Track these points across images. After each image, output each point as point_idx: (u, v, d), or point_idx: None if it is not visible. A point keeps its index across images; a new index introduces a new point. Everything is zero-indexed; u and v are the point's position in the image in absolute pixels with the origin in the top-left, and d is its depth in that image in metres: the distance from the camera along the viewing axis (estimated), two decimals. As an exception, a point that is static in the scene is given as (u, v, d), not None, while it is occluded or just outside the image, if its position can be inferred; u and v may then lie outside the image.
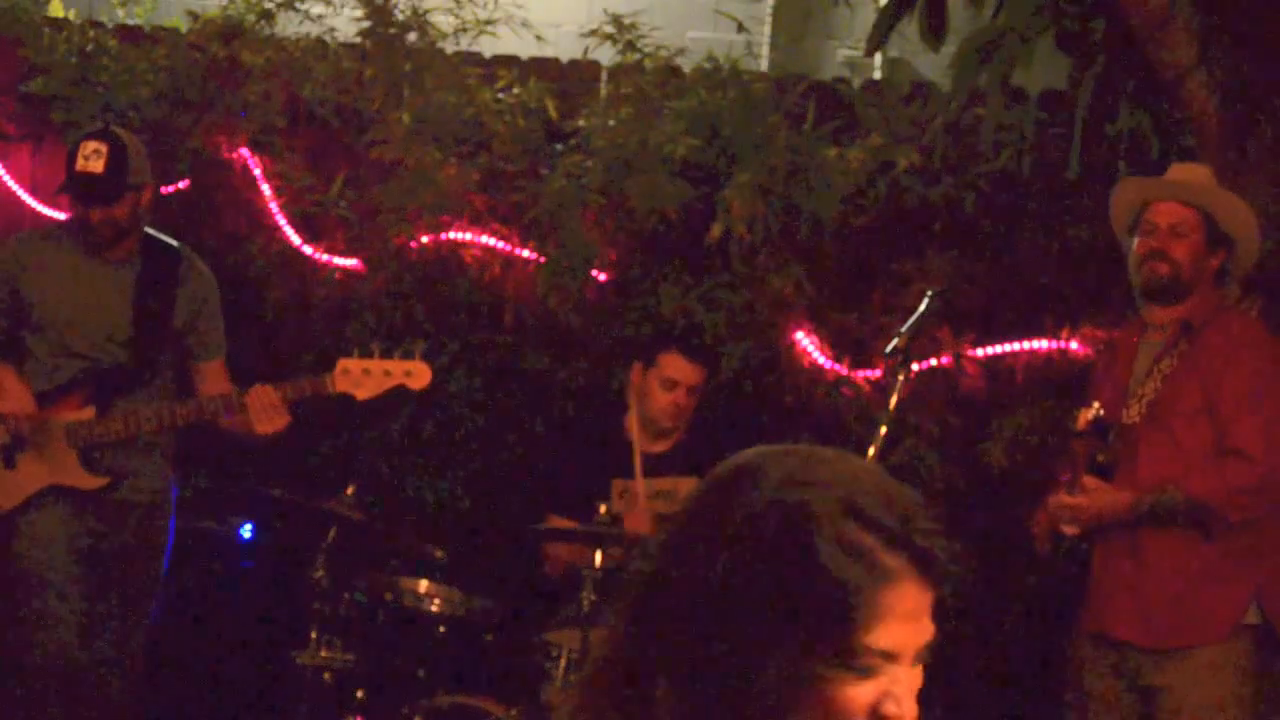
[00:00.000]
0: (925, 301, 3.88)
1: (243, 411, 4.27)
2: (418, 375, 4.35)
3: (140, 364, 4.40)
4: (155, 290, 4.43)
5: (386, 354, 4.34)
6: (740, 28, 5.68)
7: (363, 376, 4.31)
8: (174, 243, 4.57)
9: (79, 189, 4.33)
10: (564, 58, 5.69)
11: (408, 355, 4.35)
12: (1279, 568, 3.86)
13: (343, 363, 4.32)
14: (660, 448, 4.70)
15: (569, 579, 4.38)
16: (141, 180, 4.41)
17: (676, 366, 4.59)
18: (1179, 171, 4.12)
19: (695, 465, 4.61)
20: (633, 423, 4.71)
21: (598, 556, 4.03)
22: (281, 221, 5.39)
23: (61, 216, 4.99)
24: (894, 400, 3.73)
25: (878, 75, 6.43)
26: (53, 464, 4.32)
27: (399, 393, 4.39)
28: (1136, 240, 4.01)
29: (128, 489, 4.40)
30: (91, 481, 4.34)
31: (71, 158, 4.33)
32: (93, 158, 4.30)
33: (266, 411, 4.25)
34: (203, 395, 4.44)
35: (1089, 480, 3.86)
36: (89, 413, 4.32)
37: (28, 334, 4.40)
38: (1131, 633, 3.90)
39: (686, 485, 4.62)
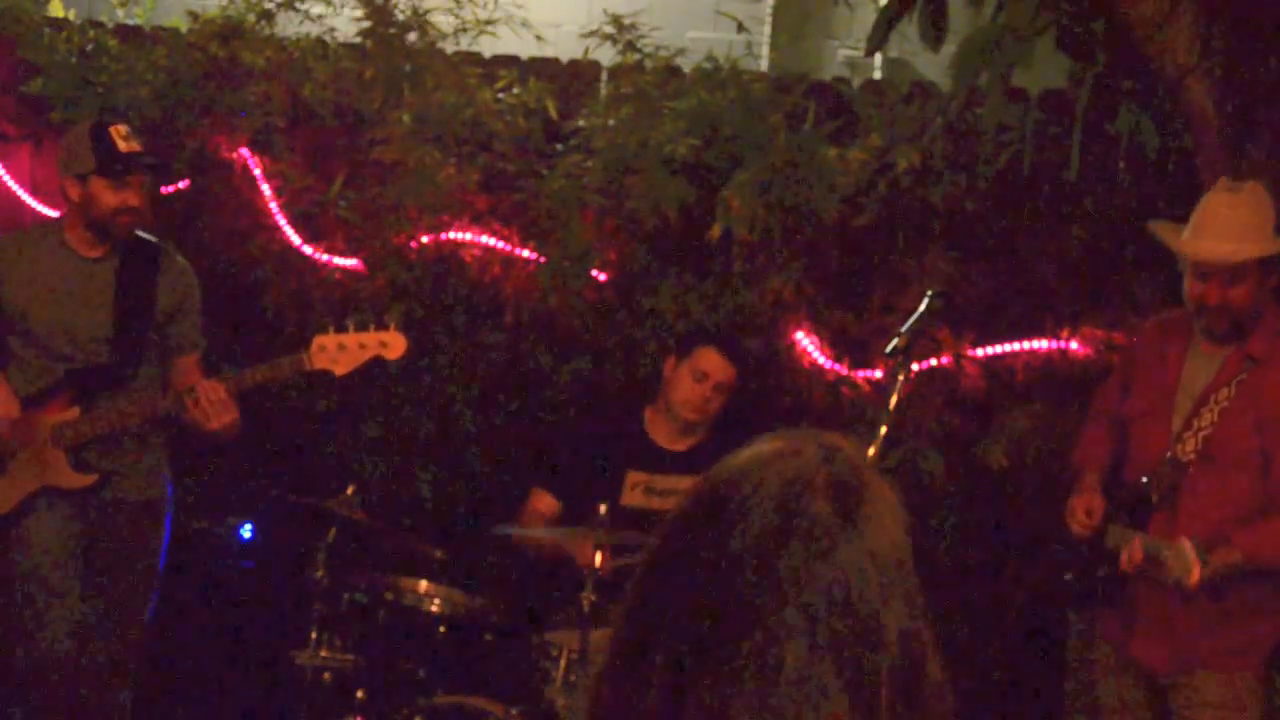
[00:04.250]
0: (925, 301, 3.86)
1: (193, 407, 4.25)
2: (393, 345, 4.33)
3: (123, 361, 4.38)
4: (135, 285, 4.41)
5: (361, 326, 4.32)
6: (740, 28, 5.68)
7: (339, 352, 4.29)
8: (152, 238, 4.54)
9: (139, 166, 4.31)
10: (564, 58, 5.69)
11: (382, 326, 4.34)
12: None
13: (318, 339, 4.30)
14: (681, 446, 4.69)
15: (564, 572, 4.39)
16: None
17: (710, 360, 4.60)
18: (1218, 227, 3.77)
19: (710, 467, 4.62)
20: (654, 417, 4.71)
21: (598, 557, 4.02)
22: (281, 221, 5.39)
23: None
24: (894, 400, 3.71)
25: (878, 75, 6.43)
26: (42, 467, 4.31)
27: (378, 364, 4.37)
28: (1190, 280, 3.82)
29: (120, 488, 4.39)
30: (80, 480, 4.33)
31: (108, 142, 4.28)
32: (131, 138, 4.33)
33: (214, 407, 4.23)
34: (181, 387, 4.41)
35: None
36: (74, 412, 4.31)
37: (11, 338, 4.39)
38: (1159, 663, 3.86)
39: None
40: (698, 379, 4.60)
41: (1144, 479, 3.82)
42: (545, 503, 4.66)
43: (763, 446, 1.34)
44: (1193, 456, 3.80)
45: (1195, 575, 3.56)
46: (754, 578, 1.24)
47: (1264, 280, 3.81)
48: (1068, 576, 3.98)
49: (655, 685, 1.24)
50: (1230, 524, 3.70)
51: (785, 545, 1.25)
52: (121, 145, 4.29)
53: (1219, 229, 3.79)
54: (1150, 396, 3.95)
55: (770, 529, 1.25)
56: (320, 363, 4.28)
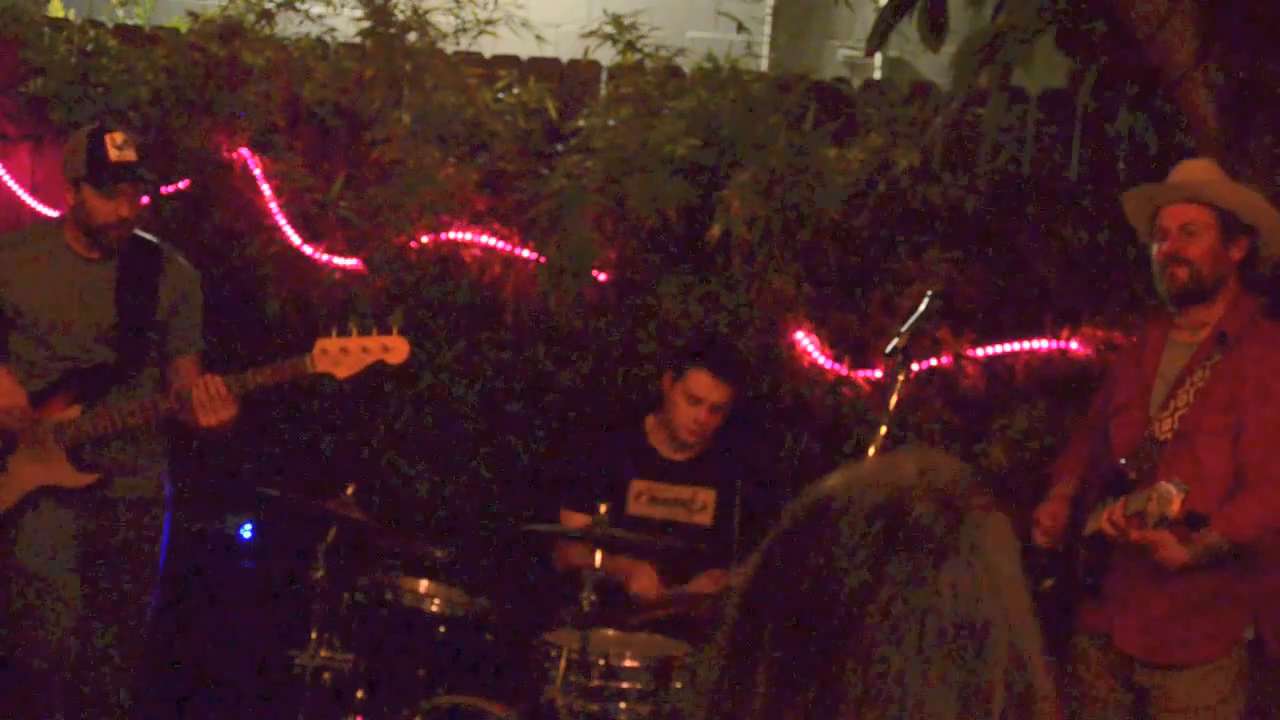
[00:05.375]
0: (925, 301, 3.87)
1: (193, 401, 4.24)
2: (396, 350, 4.33)
3: (124, 360, 4.38)
4: (137, 285, 4.41)
5: (364, 331, 4.32)
6: (740, 28, 5.68)
7: (341, 355, 4.29)
8: (153, 239, 4.54)
9: (127, 176, 4.30)
10: (564, 58, 5.70)
11: (385, 331, 4.34)
12: (1276, 586, 3.83)
13: (321, 343, 4.29)
14: (683, 455, 4.69)
15: (571, 578, 4.39)
16: None
17: (703, 383, 4.56)
18: (1181, 171, 4.05)
19: (712, 477, 4.61)
20: (656, 426, 4.71)
21: (598, 557, 4.03)
22: (281, 221, 5.39)
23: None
24: (894, 400, 3.71)
25: (878, 75, 6.43)
26: (43, 465, 4.31)
27: (380, 368, 4.38)
28: (1155, 247, 3.95)
29: (119, 486, 4.39)
30: (81, 479, 4.33)
31: (99, 148, 4.27)
32: (126, 147, 4.30)
33: (212, 402, 4.22)
34: (181, 387, 4.41)
35: (1167, 536, 3.67)
36: (75, 411, 4.31)
37: (12, 336, 4.39)
38: (1136, 647, 3.88)
39: (704, 495, 4.63)
40: (692, 403, 4.56)
41: (1122, 460, 3.85)
42: (578, 522, 4.63)
43: (862, 464, 1.34)
44: (1169, 435, 3.83)
45: (1177, 504, 3.55)
46: (859, 588, 1.23)
47: (1223, 242, 3.89)
48: (1047, 583, 3.99)
49: (759, 699, 1.23)
50: (1207, 500, 3.71)
51: (890, 555, 1.23)
52: (113, 154, 4.27)
53: (1185, 174, 4.01)
54: (1130, 389, 4.00)
55: (874, 539, 1.24)
56: (323, 366, 4.28)
